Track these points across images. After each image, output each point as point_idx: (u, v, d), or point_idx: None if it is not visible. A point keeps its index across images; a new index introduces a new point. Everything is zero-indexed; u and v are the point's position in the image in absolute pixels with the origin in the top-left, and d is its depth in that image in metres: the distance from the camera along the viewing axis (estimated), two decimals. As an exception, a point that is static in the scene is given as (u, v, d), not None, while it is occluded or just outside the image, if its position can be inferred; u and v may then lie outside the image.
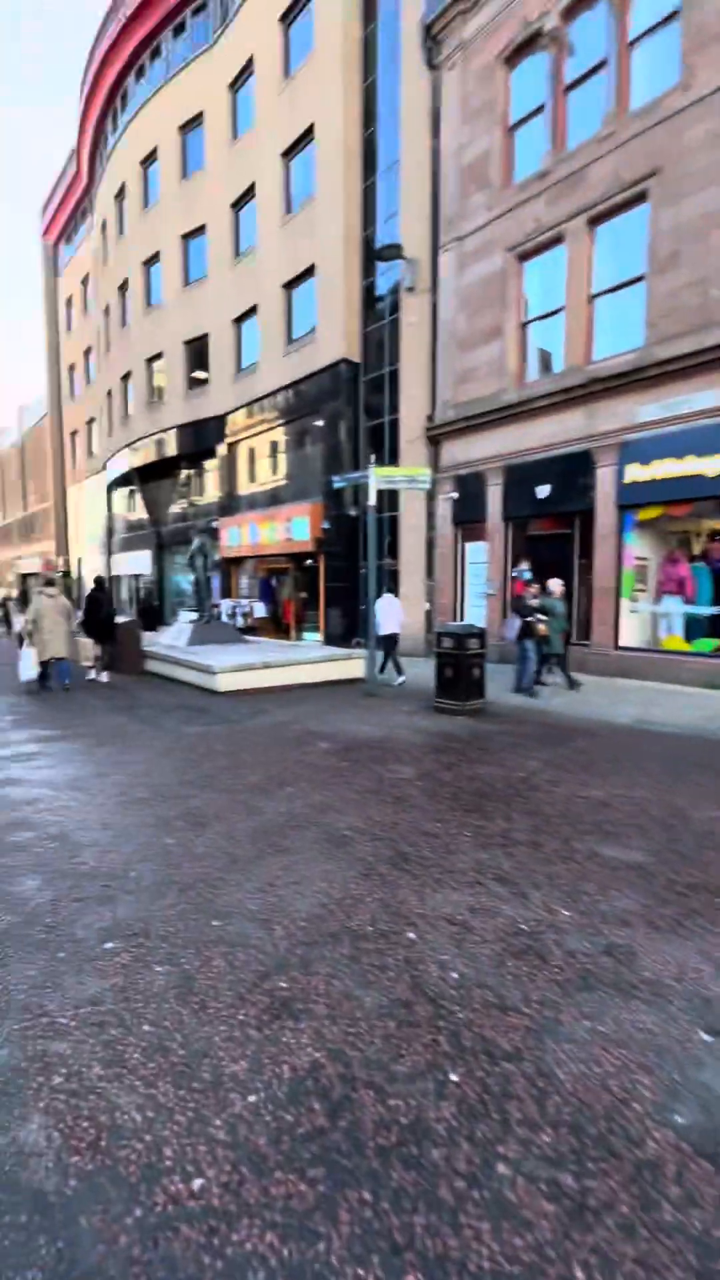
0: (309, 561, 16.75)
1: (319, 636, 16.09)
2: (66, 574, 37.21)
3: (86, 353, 31.63)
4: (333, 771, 5.26)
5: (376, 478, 8.66)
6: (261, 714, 7.70)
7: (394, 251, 12.25)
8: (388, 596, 10.41)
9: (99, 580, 11.60)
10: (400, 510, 13.58)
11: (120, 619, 11.67)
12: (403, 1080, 1.95)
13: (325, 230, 14.76)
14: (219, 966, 2.55)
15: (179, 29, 19.82)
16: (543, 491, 10.70)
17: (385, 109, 13.80)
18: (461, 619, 12.38)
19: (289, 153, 16.09)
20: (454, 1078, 1.97)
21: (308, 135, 15.34)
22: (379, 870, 3.43)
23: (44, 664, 9.75)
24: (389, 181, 14.02)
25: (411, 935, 2.77)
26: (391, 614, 10.19)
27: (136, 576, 26.71)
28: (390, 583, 14.22)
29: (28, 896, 3.17)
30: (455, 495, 12.37)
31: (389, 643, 10.07)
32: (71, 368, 34.16)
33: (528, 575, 9.25)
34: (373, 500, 8.66)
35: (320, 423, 15.57)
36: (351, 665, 10.44)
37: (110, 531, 29.13)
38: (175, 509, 23.30)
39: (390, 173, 13.88)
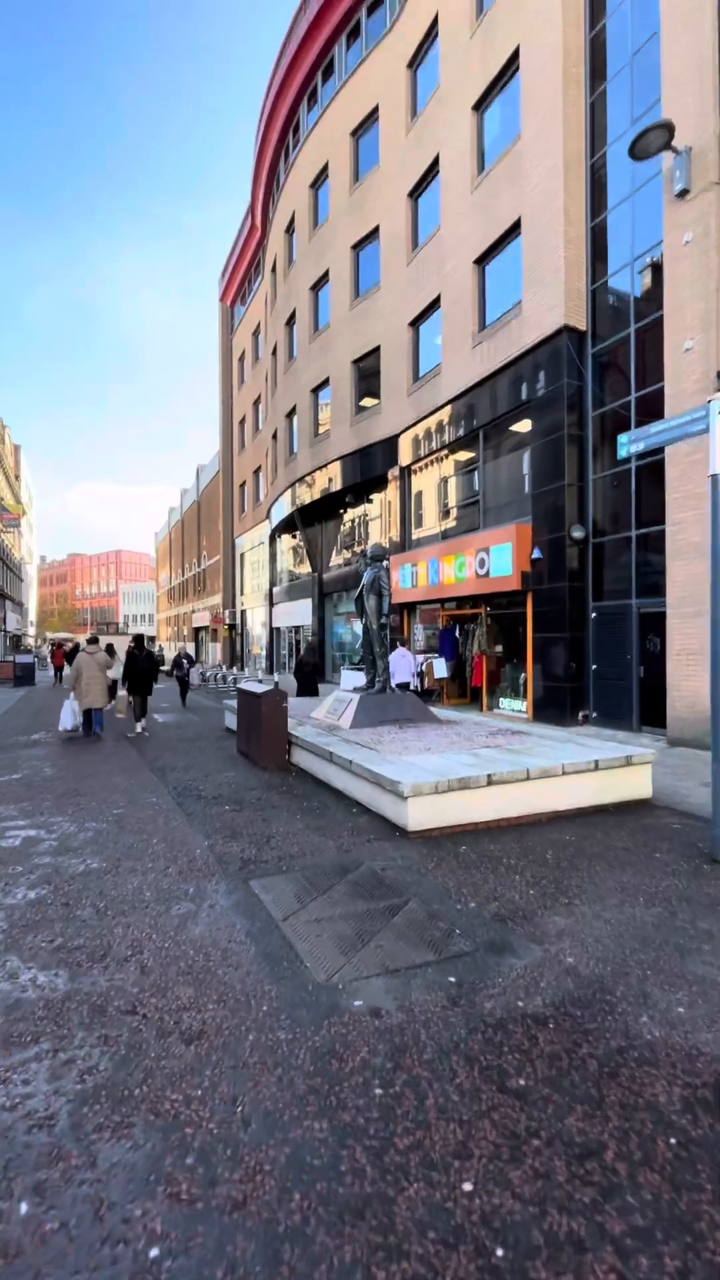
0: (485, 607, 12.73)
1: (523, 706, 11.68)
2: (232, 627, 36.48)
3: (255, 402, 31.07)
4: None
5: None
6: (519, 922, 3.47)
7: (657, 138, 8.14)
8: (400, 649, 11.78)
9: (138, 638, 11.83)
10: (665, 525, 9.00)
11: (252, 685, 8.23)
12: None
13: (536, 170, 11.13)
14: None
15: (353, 34, 18.10)
16: None
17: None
18: None
19: (481, 103, 12.99)
20: None
21: (509, 68, 12.09)
22: None
23: (85, 712, 10.69)
24: (630, 78, 10.09)
25: None
26: (404, 665, 11.15)
27: (296, 629, 24.26)
28: (646, 630, 9.52)
29: None
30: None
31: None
32: (242, 421, 34.01)
33: None
34: (717, 466, 4.32)
35: (526, 423, 11.60)
36: (632, 777, 5.90)
37: (272, 581, 27.32)
38: (339, 556, 20.48)
39: (638, 60, 9.94)
